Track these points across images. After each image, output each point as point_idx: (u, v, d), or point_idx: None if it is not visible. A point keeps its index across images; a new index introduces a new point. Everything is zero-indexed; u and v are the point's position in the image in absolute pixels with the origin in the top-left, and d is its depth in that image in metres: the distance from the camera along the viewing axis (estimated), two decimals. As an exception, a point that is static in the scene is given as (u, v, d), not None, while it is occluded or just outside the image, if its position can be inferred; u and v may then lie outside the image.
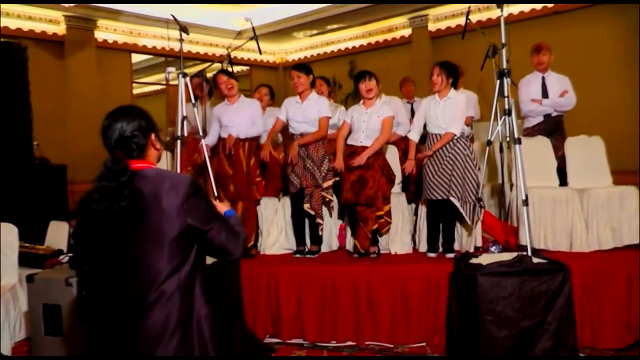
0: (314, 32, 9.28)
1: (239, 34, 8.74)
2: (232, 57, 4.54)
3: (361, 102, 3.91)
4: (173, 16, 3.56)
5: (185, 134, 3.74)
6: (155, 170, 1.69)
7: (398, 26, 8.74)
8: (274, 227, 4.03)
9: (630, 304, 3.31)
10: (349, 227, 3.99)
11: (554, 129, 4.33)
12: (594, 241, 3.75)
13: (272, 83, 7.77)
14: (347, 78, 8.97)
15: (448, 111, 3.68)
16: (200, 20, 8.03)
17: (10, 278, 3.69)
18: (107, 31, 7.87)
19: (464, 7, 7.81)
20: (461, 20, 7.95)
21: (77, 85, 7.42)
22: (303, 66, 3.96)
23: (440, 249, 3.80)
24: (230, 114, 3.93)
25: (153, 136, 1.74)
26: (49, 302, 3.05)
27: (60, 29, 7.36)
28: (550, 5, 6.98)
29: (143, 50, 8.34)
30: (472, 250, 3.72)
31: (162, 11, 7.60)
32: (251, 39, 4.20)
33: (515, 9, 7.27)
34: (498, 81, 3.02)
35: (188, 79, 3.72)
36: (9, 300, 3.57)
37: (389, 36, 8.96)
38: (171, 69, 4.40)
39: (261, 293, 3.59)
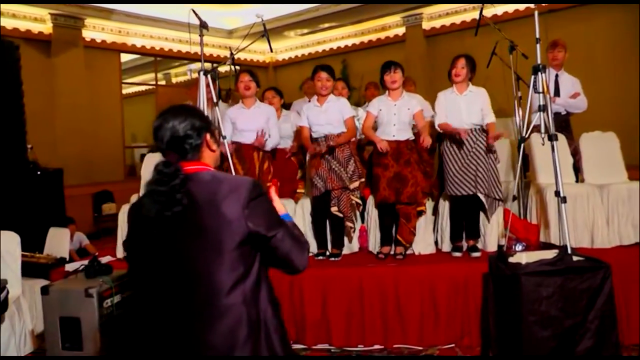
0: (305, 31, 9.18)
1: (230, 33, 8.64)
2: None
3: (386, 93, 3.83)
4: (193, 11, 3.41)
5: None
6: (211, 173, 1.56)
7: (392, 25, 8.70)
8: (293, 230, 3.90)
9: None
10: (383, 224, 3.82)
11: (563, 126, 4.30)
12: (615, 237, 3.75)
13: (262, 83, 7.61)
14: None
15: (473, 105, 3.62)
16: (192, 19, 7.82)
17: (14, 290, 3.48)
18: (95, 30, 7.62)
19: (459, 5, 7.83)
20: (456, 19, 8.03)
21: (65, 86, 7.16)
22: (331, 69, 3.80)
23: (465, 248, 3.74)
24: (246, 118, 3.83)
25: (208, 136, 1.62)
26: (66, 315, 2.88)
27: (47, 28, 7.09)
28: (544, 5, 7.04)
29: (132, 49, 8.09)
30: (496, 249, 3.66)
31: (152, 10, 7.39)
32: (262, 35, 4.11)
33: (510, 7, 7.32)
34: (533, 77, 3.00)
35: (209, 77, 3.58)
36: (13, 313, 3.40)
37: (382, 35, 8.92)
38: (192, 66, 4.24)
39: (284, 297, 3.47)
